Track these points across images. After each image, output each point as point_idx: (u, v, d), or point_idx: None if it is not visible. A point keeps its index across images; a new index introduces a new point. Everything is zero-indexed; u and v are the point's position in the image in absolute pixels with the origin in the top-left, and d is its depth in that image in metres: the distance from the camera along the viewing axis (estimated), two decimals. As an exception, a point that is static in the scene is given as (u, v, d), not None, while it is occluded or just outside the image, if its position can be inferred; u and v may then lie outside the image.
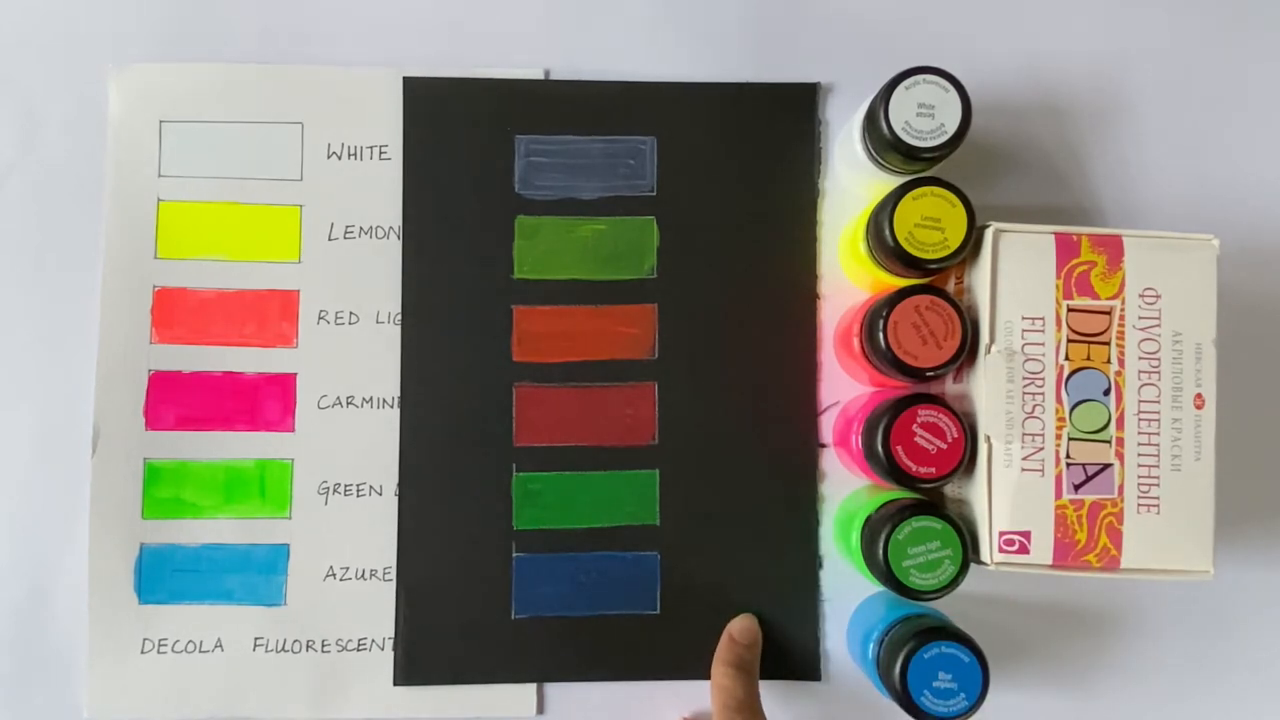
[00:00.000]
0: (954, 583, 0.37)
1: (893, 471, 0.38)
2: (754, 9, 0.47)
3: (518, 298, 0.46)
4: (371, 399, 0.46)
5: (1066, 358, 0.38)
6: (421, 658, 0.45)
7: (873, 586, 0.44)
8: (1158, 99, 0.47)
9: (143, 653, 0.45)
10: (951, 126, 0.38)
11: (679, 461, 0.45)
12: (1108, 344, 0.38)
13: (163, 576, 0.45)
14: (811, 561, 0.45)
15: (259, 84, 0.46)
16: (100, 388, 0.45)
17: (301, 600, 0.45)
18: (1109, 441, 0.37)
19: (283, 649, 0.45)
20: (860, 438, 0.40)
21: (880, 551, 0.37)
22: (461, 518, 0.45)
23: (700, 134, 0.46)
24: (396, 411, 0.45)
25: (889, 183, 0.40)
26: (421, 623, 0.45)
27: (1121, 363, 0.38)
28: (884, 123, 0.38)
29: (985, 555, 0.37)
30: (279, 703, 0.45)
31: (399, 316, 0.46)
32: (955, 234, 0.37)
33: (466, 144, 0.46)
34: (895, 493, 0.40)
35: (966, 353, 0.38)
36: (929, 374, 0.38)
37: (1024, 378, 0.38)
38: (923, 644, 0.37)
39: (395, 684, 0.45)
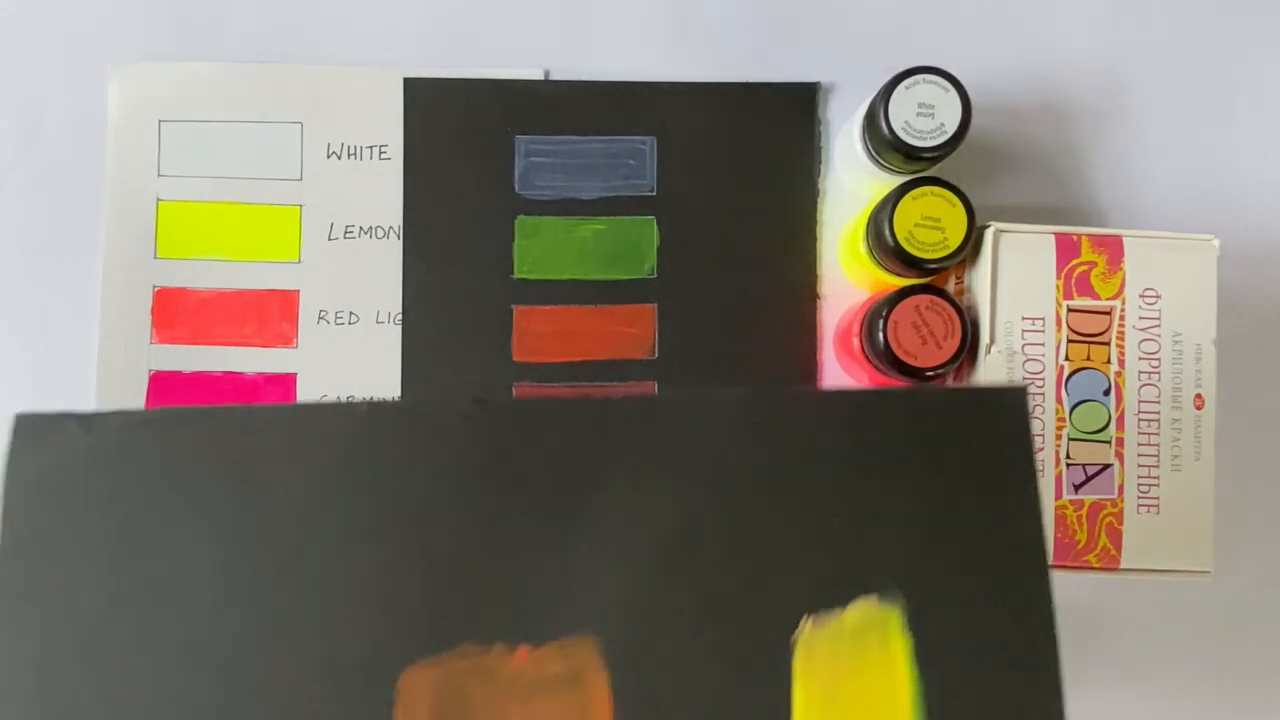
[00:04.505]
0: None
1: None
2: (754, 9, 0.47)
3: (518, 297, 0.46)
4: (372, 399, 0.46)
5: (1066, 358, 0.38)
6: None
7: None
8: (1158, 99, 0.47)
9: (143, 652, 0.45)
10: (951, 126, 0.38)
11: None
12: (1108, 344, 0.38)
13: (163, 576, 0.45)
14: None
15: (259, 84, 0.46)
16: (100, 388, 0.45)
17: (302, 600, 0.45)
18: (1109, 442, 0.37)
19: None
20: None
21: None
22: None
23: (700, 134, 0.46)
24: (396, 411, 0.45)
25: (889, 183, 0.40)
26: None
27: (1121, 363, 0.38)
28: (884, 122, 0.38)
29: (985, 555, 0.37)
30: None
31: (399, 316, 0.46)
32: (955, 234, 0.37)
33: (466, 144, 0.46)
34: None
35: (966, 353, 0.38)
36: (929, 374, 0.38)
37: (1024, 378, 0.38)
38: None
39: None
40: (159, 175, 0.46)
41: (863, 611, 0.26)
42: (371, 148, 0.46)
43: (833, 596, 0.26)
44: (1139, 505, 0.37)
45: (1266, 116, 0.47)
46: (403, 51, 0.46)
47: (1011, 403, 0.27)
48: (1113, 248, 0.38)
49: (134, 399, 0.45)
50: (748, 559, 0.26)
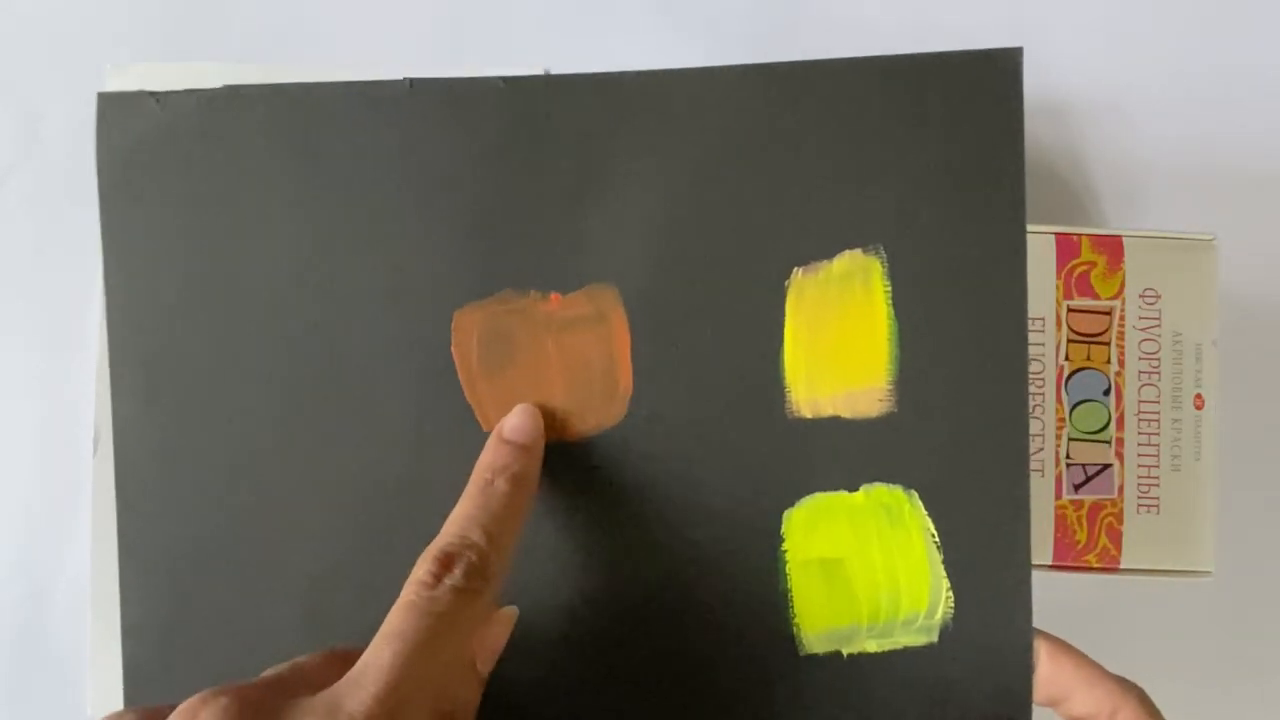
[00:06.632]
0: None
1: None
2: (754, 8, 0.47)
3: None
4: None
5: (1066, 358, 0.38)
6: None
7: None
8: (1158, 99, 0.47)
9: (144, 652, 0.45)
10: (951, 126, 0.38)
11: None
12: (1108, 344, 0.38)
13: (163, 576, 0.45)
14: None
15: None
16: (100, 388, 0.45)
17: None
18: (1109, 442, 0.37)
19: (283, 648, 0.45)
20: None
21: None
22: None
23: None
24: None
25: (889, 182, 0.40)
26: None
27: (1121, 363, 0.38)
28: (884, 123, 0.38)
29: (985, 555, 0.38)
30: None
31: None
32: (955, 234, 0.37)
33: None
34: None
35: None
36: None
37: (1024, 378, 0.38)
38: None
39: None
40: (159, 175, 0.46)
41: (848, 261, 0.29)
42: (371, 148, 0.46)
43: (822, 249, 0.29)
44: (1139, 505, 0.37)
45: (1266, 116, 0.47)
46: (403, 51, 0.46)
47: (1005, 63, 0.28)
48: (1113, 248, 0.38)
49: (134, 399, 0.45)
50: (746, 219, 0.29)
